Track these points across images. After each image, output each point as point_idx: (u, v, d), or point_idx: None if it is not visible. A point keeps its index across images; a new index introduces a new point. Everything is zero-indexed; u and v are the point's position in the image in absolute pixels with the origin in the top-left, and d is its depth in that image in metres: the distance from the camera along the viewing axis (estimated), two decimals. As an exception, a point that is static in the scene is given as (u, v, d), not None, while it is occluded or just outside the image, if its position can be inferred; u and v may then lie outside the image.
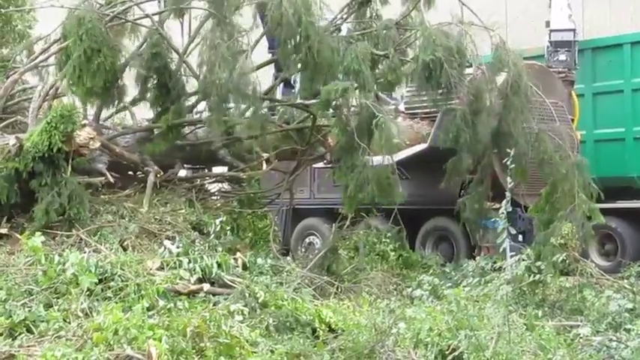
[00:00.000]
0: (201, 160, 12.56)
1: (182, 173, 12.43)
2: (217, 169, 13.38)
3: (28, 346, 6.17)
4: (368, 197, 9.93)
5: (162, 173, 10.97)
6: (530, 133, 10.76)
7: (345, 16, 11.86)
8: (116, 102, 11.24)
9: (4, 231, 9.04)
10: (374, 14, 11.84)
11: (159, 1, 11.77)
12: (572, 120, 13.38)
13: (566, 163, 10.44)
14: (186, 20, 11.83)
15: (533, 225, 12.66)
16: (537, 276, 8.68)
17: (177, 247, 8.85)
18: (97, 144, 9.95)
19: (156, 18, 11.25)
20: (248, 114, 10.57)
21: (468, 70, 10.84)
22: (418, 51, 10.47)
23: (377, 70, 11.04)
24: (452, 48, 10.21)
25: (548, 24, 14.66)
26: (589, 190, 10.22)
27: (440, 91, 10.47)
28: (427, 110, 12.41)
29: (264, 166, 12.15)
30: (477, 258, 10.85)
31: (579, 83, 14.44)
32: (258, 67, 10.76)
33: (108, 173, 10.39)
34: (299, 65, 10.43)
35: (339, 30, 11.66)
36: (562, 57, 14.14)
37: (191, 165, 13.02)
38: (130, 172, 11.65)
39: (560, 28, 14.44)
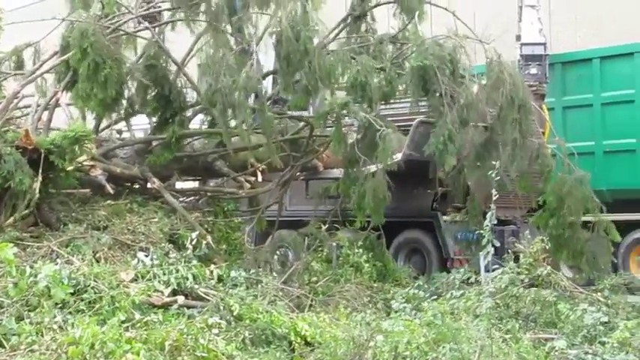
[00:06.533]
0: (198, 171, 12.59)
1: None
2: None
3: (0, 360, 6.04)
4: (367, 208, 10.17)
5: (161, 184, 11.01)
6: (531, 146, 10.89)
7: (340, 31, 11.90)
8: (130, 112, 11.32)
9: None
10: (369, 28, 11.91)
11: (159, 14, 11.74)
12: (543, 133, 13.47)
13: (570, 177, 10.59)
14: (185, 33, 11.79)
15: (504, 238, 12.78)
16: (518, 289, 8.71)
17: (151, 259, 8.73)
18: (98, 172, 10.23)
19: (155, 30, 11.27)
20: (245, 126, 10.53)
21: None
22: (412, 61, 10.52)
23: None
24: (444, 57, 10.23)
25: (519, 38, 14.81)
26: (592, 204, 10.50)
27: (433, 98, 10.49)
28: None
29: (259, 177, 12.22)
30: (452, 271, 10.83)
31: (550, 97, 14.60)
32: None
33: (107, 185, 10.42)
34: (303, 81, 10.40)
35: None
36: (533, 70, 14.29)
37: (187, 176, 13.06)
38: (128, 183, 11.65)
39: (531, 41, 14.61)
